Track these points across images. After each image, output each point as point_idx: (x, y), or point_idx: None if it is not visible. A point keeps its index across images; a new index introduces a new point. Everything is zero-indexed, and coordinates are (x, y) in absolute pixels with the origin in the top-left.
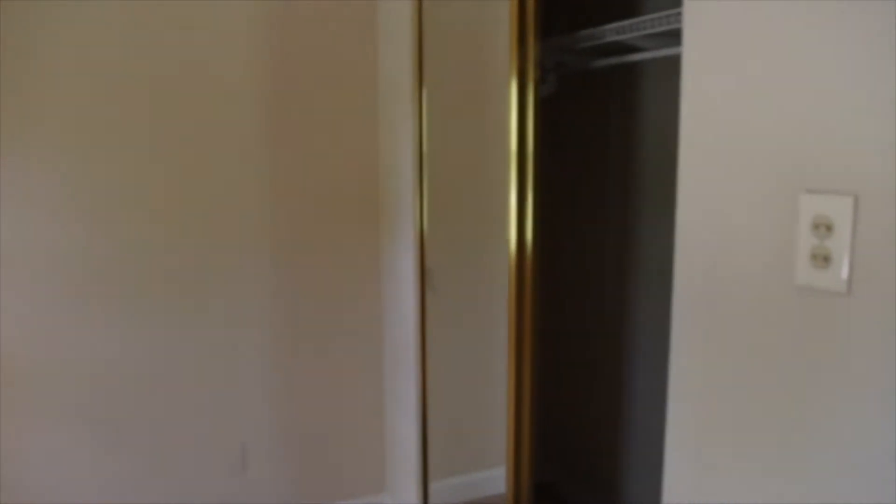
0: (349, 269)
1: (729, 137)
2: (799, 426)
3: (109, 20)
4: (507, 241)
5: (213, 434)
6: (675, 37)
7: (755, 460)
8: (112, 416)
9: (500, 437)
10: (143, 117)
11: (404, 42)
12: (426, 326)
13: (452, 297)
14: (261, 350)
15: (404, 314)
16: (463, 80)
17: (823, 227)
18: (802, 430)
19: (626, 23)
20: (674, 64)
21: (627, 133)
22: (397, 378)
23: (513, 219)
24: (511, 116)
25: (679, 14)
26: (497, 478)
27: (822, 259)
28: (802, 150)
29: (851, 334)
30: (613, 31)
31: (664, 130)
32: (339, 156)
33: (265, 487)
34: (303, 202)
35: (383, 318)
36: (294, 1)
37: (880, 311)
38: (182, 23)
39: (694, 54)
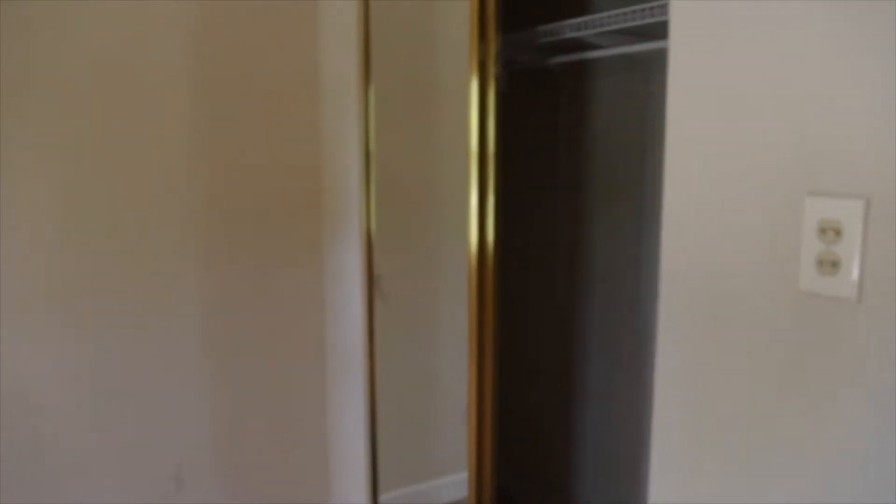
0: (289, 273)
1: (724, 136)
2: (797, 430)
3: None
4: (465, 242)
5: (146, 454)
6: (630, 34)
7: (749, 470)
8: (36, 439)
9: (449, 444)
10: (71, 117)
11: (349, 39)
12: (374, 332)
13: (403, 302)
14: (197, 361)
15: (351, 319)
16: (414, 77)
17: (832, 232)
18: (809, 441)
19: (583, 19)
20: (633, 60)
21: (584, 130)
22: (343, 386)
23: (473, 219)
24: (472, 113)
25: (637, 11)
26: (448, 485)
27: (831, 265)
28: (806, 150)
29: (861, 342)
30: (573, 28)
31: (621, 127)
32: (278, 156)
33: None
34: (240, 205)
35: (325, 323)
36: None
37: (890, 318)
38: (110, 18)
39: (683, 50)
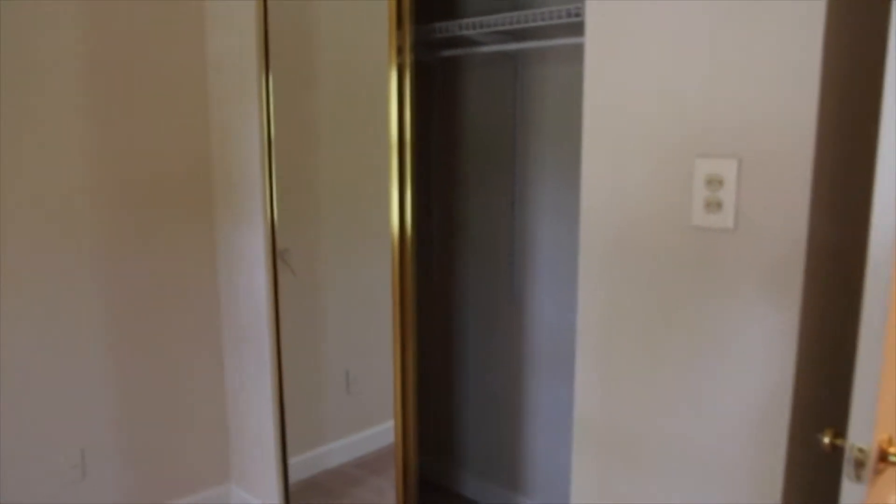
0: (182, 258)
1: (630, 114)
2: (691, 338)
3: None
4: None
5: (48, 443)
6: (508, 34)
7: (652, 368)
8: None
9: (334, 411)
10: None
11: (247, 27)
12: (280, 307)
13: (308, 276)
14: (96, 348)
15: (255, 297)
16: (316, 65)
17: (716, 182)
18: (694, 341)
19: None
20: (509, 56)
21: (460, 116)
22: (245, 362)
23: (395, 201)
24: (391, 102)
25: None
26: (339, 449)
27: (716, 206)
28: (694, 123)
29: (736, 258)
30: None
31: (516, 114)
32: (166, 147)
33: (107, 493)
34: (132, 195)
35: (220, 304)
36: None
37: (758, 241)
38: None
39: (596, 44)
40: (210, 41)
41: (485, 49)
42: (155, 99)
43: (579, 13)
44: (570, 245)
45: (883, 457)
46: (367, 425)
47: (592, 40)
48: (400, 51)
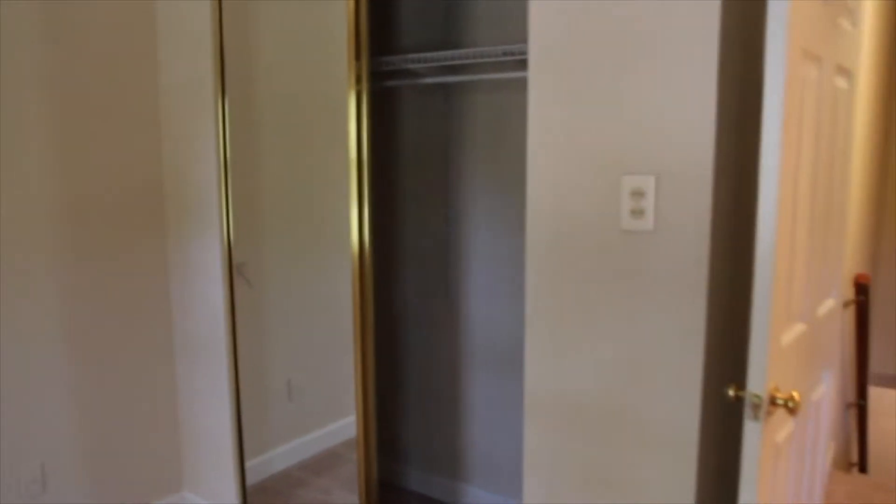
0: (132, 270)
1: (568, 142)
2: (621, 317)
3: None
4: (324, 233)
5: (7, 457)
6: (447, 68)
7: (592, 347)
8: None
9: (278, 418)
10: None
11: (202, 50)
12: (236, 317)
13: (260, 290)
14: (53, 361)
15: (211, 308)
16: (275, 89)
17: (639, 195)
18: (625, 321)
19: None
20: (448, 88)
21: (420, 141)
22: (199, 371)
23: (354, 217)
24: (350, 126)
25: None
26: (282, 454)
27: (640, 213)
28: (620, 148)
29: (655, 254)
30: (412, 61)
31: (450, 138)
32: (116, 163)
33: None
34: (81, 209)
35: (172, 314)
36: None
37: (673, 239)
38: None
39: (539, 84)
40: (164, 65)
41: (426, 80)
42: (108, 120)
43: (511, 52)
44: (500, 252)
45: (772, 401)
46: (307, 431)
47: (535, 82)
48: (358, 79)
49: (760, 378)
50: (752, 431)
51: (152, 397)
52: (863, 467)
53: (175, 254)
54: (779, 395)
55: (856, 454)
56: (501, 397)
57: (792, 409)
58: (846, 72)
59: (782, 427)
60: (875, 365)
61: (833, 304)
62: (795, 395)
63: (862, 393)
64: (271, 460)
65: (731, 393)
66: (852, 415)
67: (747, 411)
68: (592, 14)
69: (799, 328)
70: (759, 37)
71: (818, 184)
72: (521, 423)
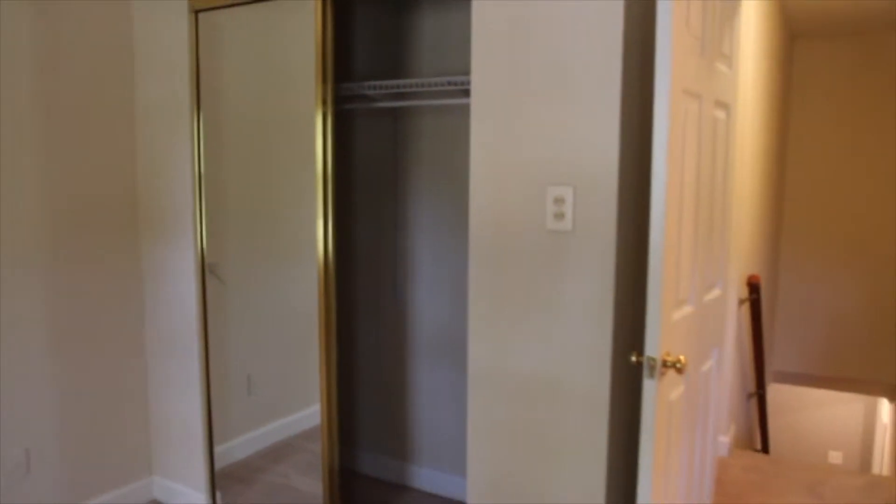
0: (107, 272)
1: (504, 157)
2: (547, 302)
3: None
4: (290, 237)
5: None
6: (397, 94)
7: (524, 328)
8: None
9: (236, 411)
10: None
11: (178, 71)
12: (208, 316)
13: (234, 290)
14: (38, 355)
15: (184, 306)
16: (247, 109)
17: (560, 201)
18: (550, 304)
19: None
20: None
21: (370, 158)
22: (171, 364)
23: (320, 226)
24: (317, 144)
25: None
26: (241, 443)
27: (561, 216)
28: (545, 164)
29: (575, 251)
30: (369, 87)
31: (397, 155)
32: (92, 173)
33: (46, 490)
34: (62, 216)
35: (144, 312)
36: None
37: (587, 237)
38: None
39: (478, 115)
40: (140, 84)
41: (379, 105)
42: (87, 136)
43: (454, 83)
44: (441, 254)
45: (664, 363)
46: (265, 422)
47: (476, 110)
48: (324, 101)
49: (655, 345)
50: (649, 388)
51: (125, 389)
52: (765, 449)
53: (149, 257)
54: (669, 358)
55: (759, 441)
56: (444, 383)
57: (679, 369)
58: (724, 105)
59: (674, 388)
60: (778, 363)
61: (719, 294)
62: (682, 358)
63: (760, 384)
64: (232, 449)
65: (633, 358)
66: (754, 404)
67: (645, 372)
68: (523, 55)
69: (687, 309)
70: (652, 79)
71: (701, 194)
72: (463, 405)
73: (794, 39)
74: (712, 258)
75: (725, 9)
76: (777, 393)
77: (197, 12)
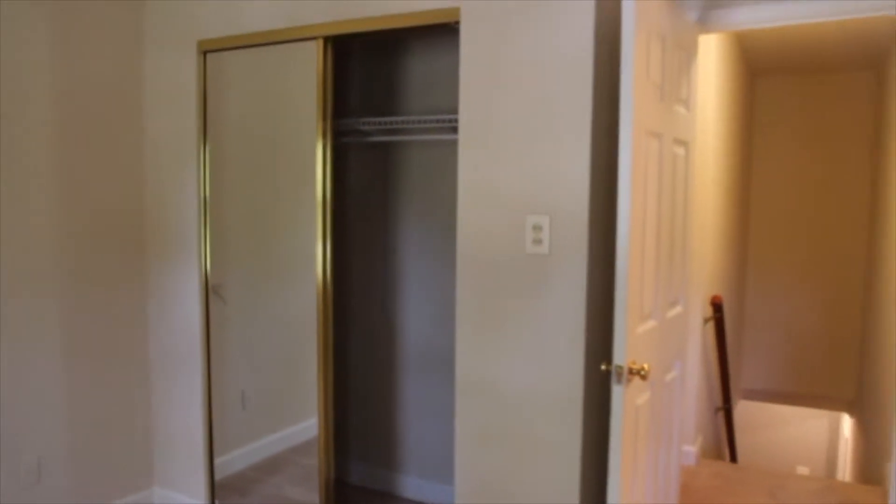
0: (115, 292)
1: (488, 188)
2: (527, 318)
3: None
4: (293, 264)
5: (5, 449)
6: (390, 130)
7: (506, 341)
8: None
9: (231, 425)
10: None
11: (186, 106)
12: (210, 335)
13: (233, 310)
14: (51, 367)
15: (188, 324)
16: (253, 138)
17: (538, 228)
18: (530, 320)
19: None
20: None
21: (363, 187)
22: (174, 379)
23: (319, 251)
24: (317, 173)
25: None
26: (238, 457)
27: (539, 241)
28: (526, 195)
29: (551, 272)
30: (365, 123)
31: (388, 185)
32: (102, 199)
33: (54, 498)
34: (75, 239)
35: (148, 330)
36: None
37: (562, 260)
38: None
39: (465, 150)
40: (149, 116)
41: (373, 139)
42: (98, 165)
43: (442, 120)
44: (427, 276)
45: (630, 371)
46: (259, 437)
47: (463, 146)
48: (324, 134)
49: (622, 354)
50: (617, 393)
51: (129, 403)
52: (733, 460)
53: (156, 278)
54: (634, 366)
55: (727, 452)
56: (430, 396)
57: (644, 376)
58: (683, 142)
59: (640, 393)
60: (747, 381)
61: (680, 311)
62: (646, 366)
63: (727, 398)
64: (228, 462)
65: (603, 367)
66: (721, 418)
67: (614, 378)
68: (505, 97)
69: (651, 324)
70: (619, 121)
71: (663, 222)
72: (448, 417)
73: (755, 77)
74: (673, 278)
75: (682, 59)
76: (746, 409)
77: (205, 52)
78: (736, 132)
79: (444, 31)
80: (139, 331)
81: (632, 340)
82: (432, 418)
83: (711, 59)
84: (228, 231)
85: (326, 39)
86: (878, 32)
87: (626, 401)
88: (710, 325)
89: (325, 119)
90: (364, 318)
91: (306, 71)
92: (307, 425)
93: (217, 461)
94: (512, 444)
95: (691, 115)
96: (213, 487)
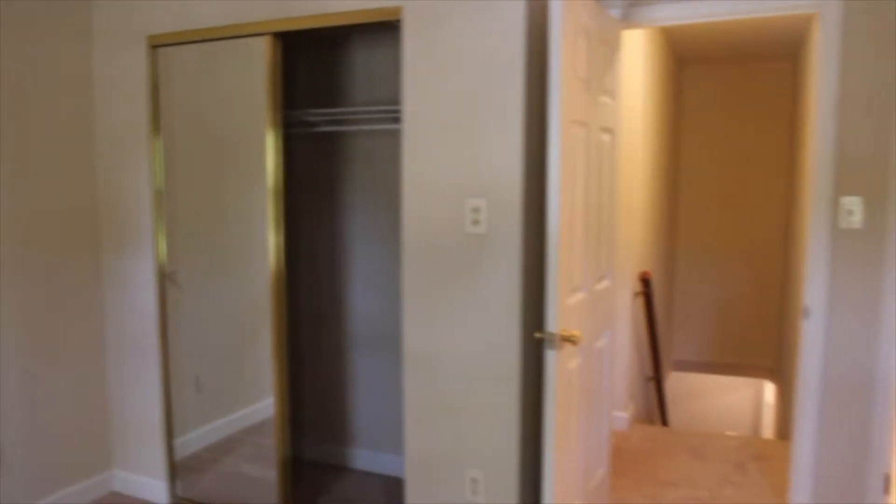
0: (71, 280)
1: (430, 174)
2: (467, 293)
3: None
4: (246, 251)
5: None
6: (335, 121)
7: (450, 315)
8: None
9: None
10: None
11: (137, 99)
12: (167, 319)
13: (188, 297)
14: (4, 358)
15: (145, 311)
16: (205, 131)
17: (477, 210)
18: (471, 294)
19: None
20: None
21: (310, 175)
22: (131, 364)
23: (272, 237)
24: (269, 163)
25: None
26: (186, 442)
27: (477, 222)
28: (464, 180)
29: (489, 250)
30: (312, 115)
31: (333, 172)
32: (54, 191)
33: (14, 485)
34: (26, 232)
35: (104, 317)
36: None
37: (499, 239)
38: None
39: (409, 139)
40: (101, 109)
41: (319, 129)
42: (48, 157)
43: (385, 111)
44: (372, 258)
45: (562, 338)
46: (214, 418)
47: (407, 135)
48: (275, 125)
49: (554, 322)
50: (550, 358)
51: (86, 390)
52: (664, 424)
53: (111, 267)
54: (565, 333)
55: (658, 419)
56: (378, 372)
57: (574, 342)
58: (608, 130)
59: (572, 358)
60: (678, 353)
61: (608, 285)
62: (577, 333)
63: (657, 368)
64: (184, 444)
65: (537, 335)
66: (653, 387)
67: (547, 343)
68: (444, 89)
69: (580, 295)
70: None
71: (590, 203)
72: (396, 391)
73: (683, 66)
74: (601, 255)
75: (607, 53)
76: (678, 380)
77: (155, 47)
78: (665, 118)
79: (387, 28)
80: (96, 319)
81: (563, 310)
82: (383, 393)
83: (639, 51)
84: (183, 220)
85: (275, 35)
86: (794, 26)
87: (559, 365)
88: (641, 300)
89: (275, 111)
90: (315, 301)
91: (256, 65)
92: (262, 406)
93: (175, 442)
94: (456, 411)
95: (616, 104)
96: (173, 466)
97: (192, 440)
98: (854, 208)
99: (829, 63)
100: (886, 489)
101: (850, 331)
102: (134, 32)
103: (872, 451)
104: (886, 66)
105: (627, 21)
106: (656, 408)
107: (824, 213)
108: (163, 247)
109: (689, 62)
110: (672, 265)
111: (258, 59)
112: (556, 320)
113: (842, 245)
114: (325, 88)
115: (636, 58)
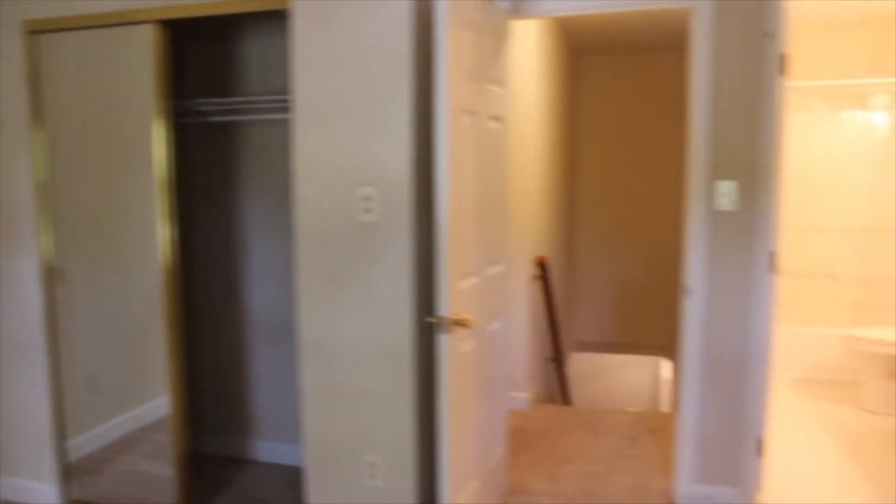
0: None
1: (322, 163)
2: (361, 280)
3: None
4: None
5: None
6: (228, 110)
7: (344, 303)
8: None
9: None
10: None
11: (13, 89)
12: (56, 317)
13: (78, 293)
14: None
15: (29, 310)
16: (91, 123)
17: (369, 199)
18: (364, 281)
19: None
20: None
21: (204, 165)
22: (14, 367)
23: (163, 228)
24: (157, 154)
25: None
26: (90, 439)
27: (369, 210)
28: (356, 169)
29: (382, 237)
30: (203, 104)
31: (230, 160)
32: None
33: None
34: None
35: None
36: None
37: (390, 226)
38: None
39: (300, 129)
40: None
41: (212, 119)
42: None
43: (277, 101)
44: (269, 247)
45: (454, 322)
46: (111, 417)
47: (298, 126)
48: (163, 115)
49: (445, 307)
50: (443, 342)
51: None
52: (567, 404)
53: None
54: (457, 317)
55: (559, 399)
56: (277, 362)
57: (466, 325)
58: (498, 118)
59: (465, 342)
60: (579, 333)
61: (501, 269)
62: (468, 316)
63: (556, 349)
64: (79, 445)
65: (430, 320)
66: (553, 368)
67: (439, 328)
68: (333, 78)
69: (473, 280)
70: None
71: (480, 189)
72: (295, 380)
73: (579, 55)
74: (493, 240)
75: (495, 44)
76: (581, 361)
77: (33, 33)
78: (560, 105)
79: (279, 16)
80: None
81: (454, 295)
82: (282, 383)
83: (533, 41)
84: (72, 214)
85: (162, 23)
86: (680, 18)
87: (452, 348)
88: (538, 283)
89: (163, 100)
90: (211, 294)
91: (144, 54)
92: (159, 402)
93: (69, 444)
94: (352, 398)
95: (506, 92)
96: (65, 471)
97: (87, 441)
98: (728, 191)
99: (704, 56)
100: (759, 451)
101: (726, 308)
102: (7, 17)
103: (747, 418)
104: (755, 60)
105: (515, 13)
106: (557, 388)
107: (702, 196)
108: (48, 242)
109: (585, 52)
110: (572, 249)
111: (146, 47)
112: (447, 305)
113: (718, 226)
114: (219, 78)
115: (529, 47)
